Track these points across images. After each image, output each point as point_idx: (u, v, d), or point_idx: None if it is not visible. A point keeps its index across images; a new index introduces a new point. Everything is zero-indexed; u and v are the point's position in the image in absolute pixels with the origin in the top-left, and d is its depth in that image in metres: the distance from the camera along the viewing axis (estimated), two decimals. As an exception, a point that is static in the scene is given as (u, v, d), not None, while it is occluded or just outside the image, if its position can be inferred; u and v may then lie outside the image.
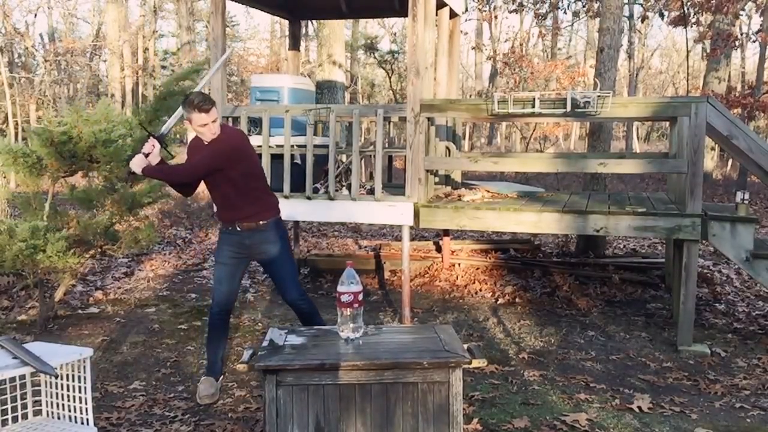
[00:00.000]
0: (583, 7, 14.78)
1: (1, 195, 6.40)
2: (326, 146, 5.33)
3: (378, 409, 2.55)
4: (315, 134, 5.44)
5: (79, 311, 5.53)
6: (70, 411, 2.82)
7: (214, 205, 3.82)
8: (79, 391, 2.79)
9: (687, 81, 15.62)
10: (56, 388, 2.84)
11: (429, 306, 5.72)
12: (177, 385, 3.96)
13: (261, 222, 3.65)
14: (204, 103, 3.39)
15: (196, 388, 3.76)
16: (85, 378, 2.79)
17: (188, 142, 3.73)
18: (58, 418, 2.86)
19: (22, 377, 2.82)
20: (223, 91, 5.56)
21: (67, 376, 2.80)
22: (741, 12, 13.40)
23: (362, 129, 7.25)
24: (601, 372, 4.21)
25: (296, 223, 6.94)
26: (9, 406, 2.82)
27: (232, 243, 3.69)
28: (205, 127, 3.45)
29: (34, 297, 5.52)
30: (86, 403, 2.78)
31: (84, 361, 2.79)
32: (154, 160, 3.52)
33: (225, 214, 3.68)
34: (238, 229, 3.65)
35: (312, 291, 6.16)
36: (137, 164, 3.48)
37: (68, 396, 2.82)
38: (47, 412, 2.91)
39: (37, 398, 2.92)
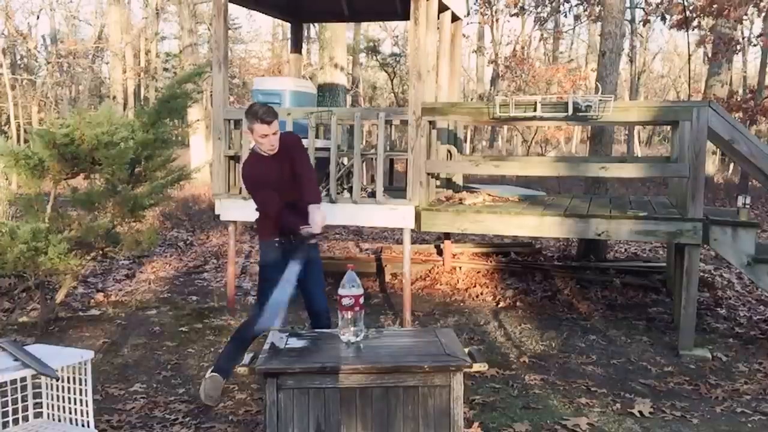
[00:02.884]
0: (585, 11, 14.78)
1: (3, 197, 6.40)
2: (328, 149, 5.33)
3: (378, 412, 2.55)
4: (316, 137, 5.44)
5: (80, 313, 5.53)
6: (70, 413, 2.82)
7: (258, 218, 3.69)
8: (80, 394, 2.79)
9: (688, 85, 15.62)
10: (57, 391, 2.84)
11: (430, 309, 5.72)
12: (178, 387, 3.96)
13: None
14: (267, 115, 3.41)
15: (199, 387, 3.70)
16: (85, 380, 2.79)
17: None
18: (59, 420, 2.86)
19: (23, 379, 2.82)
20: (225, 94, 5.57)
21: (68, 378, 2.80)
22: (743, 16, 13.39)
23: (364, 132, 7.25)
24: (602, 376, 4.20)
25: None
26: (10, 408, 2.81)
27: (280, 256, 3.58)
28: (265, 138, 3.45)
29: (35, 299, 5.53)
30: (87, 406, 2.78)
31: (85, 364, 2.79)
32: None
33: (286, 224, 3.58)
34: (293, 240, 3.57)
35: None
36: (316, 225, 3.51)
37: (69, 398, 2.81)
38: (48, 414, 2.91)
39: (37, 400, 2.91)
